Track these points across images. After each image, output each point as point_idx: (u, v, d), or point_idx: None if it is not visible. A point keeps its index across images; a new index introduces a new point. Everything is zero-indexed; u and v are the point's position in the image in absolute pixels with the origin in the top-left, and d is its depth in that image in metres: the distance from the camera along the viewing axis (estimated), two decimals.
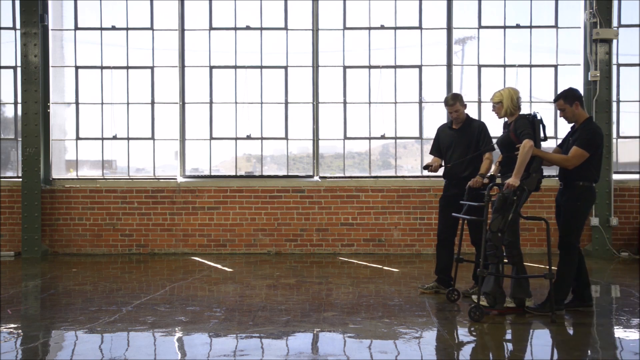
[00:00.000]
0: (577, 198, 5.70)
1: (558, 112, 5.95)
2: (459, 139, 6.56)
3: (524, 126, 5.64)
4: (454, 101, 6.53)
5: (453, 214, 6.30)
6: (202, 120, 10.41)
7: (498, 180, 5.96)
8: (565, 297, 5.75)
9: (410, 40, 10.35)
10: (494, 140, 6.35)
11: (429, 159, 7.07)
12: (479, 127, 6.55)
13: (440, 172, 6.75)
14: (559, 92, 6.09)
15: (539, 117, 5.73)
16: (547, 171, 9.80)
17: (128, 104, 10.39)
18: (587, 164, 5.65)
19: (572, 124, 5.94)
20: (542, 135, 5.73)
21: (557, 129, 10.16)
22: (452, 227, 6.56)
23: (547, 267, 5.72)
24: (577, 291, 5.88)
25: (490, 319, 5.54)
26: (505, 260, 5.77)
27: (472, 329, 5.31)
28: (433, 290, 6.63)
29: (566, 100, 5.78)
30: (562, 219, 5.80)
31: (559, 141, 6.17)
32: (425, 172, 7.61)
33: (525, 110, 6.03)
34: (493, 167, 6.30)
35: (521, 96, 5.93)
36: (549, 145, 6.58)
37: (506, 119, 6.01)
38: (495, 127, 7.52)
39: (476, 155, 6.46)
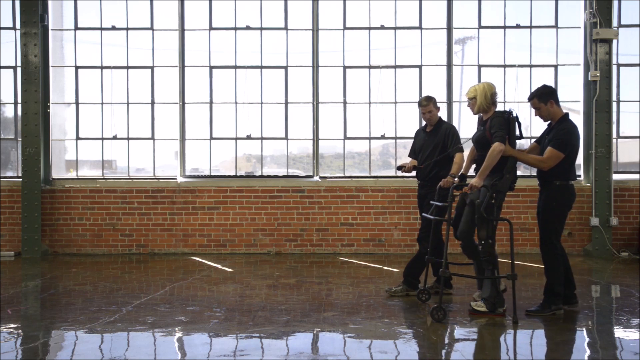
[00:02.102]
0: (553, 198, 5.66)
1: (533, 111, 5.85)
2: (429, 141, 6.66)
3: (499, 126, 5.54)
4: (427, 102, 6.61)
5: (423, 214, 6.41)
6: (202, 120, 10.41)
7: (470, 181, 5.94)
8: (560, 296, 5.74)
9: (410, 40, 10.35)
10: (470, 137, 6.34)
11: None
12: (446, 130, 6.60)
13: (414, 173, 6.88)
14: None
15: (514, 115, 5.64)
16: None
17: (128, 104, 10.38)
18: (561, 162, 5.58)
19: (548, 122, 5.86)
20: (517, 132, 5.66)
21: None
22: (430, 226, 6.61)
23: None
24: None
25: (490, 319, 5.55)
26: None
27: (472, 329, 5.32)
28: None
29: (540, 98, 5.70)
30: (541, 219, 5.77)
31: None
32: (399, 173, 7.73)
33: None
34: (464, 166, 6.31)
35: (497, 92, 5.82)
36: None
37: (481, 115, 5.91)
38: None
39: (443, 157, 6.52)
